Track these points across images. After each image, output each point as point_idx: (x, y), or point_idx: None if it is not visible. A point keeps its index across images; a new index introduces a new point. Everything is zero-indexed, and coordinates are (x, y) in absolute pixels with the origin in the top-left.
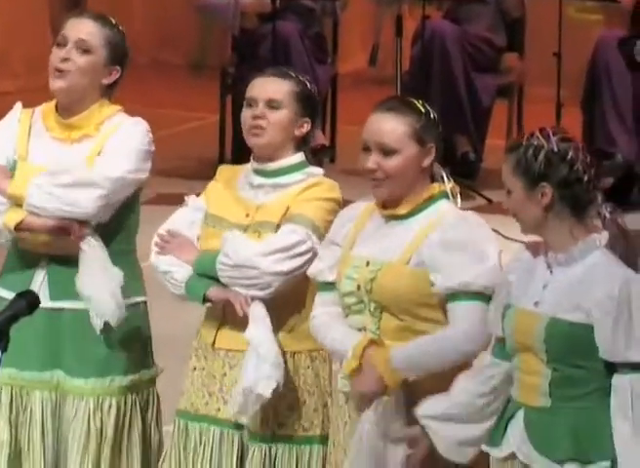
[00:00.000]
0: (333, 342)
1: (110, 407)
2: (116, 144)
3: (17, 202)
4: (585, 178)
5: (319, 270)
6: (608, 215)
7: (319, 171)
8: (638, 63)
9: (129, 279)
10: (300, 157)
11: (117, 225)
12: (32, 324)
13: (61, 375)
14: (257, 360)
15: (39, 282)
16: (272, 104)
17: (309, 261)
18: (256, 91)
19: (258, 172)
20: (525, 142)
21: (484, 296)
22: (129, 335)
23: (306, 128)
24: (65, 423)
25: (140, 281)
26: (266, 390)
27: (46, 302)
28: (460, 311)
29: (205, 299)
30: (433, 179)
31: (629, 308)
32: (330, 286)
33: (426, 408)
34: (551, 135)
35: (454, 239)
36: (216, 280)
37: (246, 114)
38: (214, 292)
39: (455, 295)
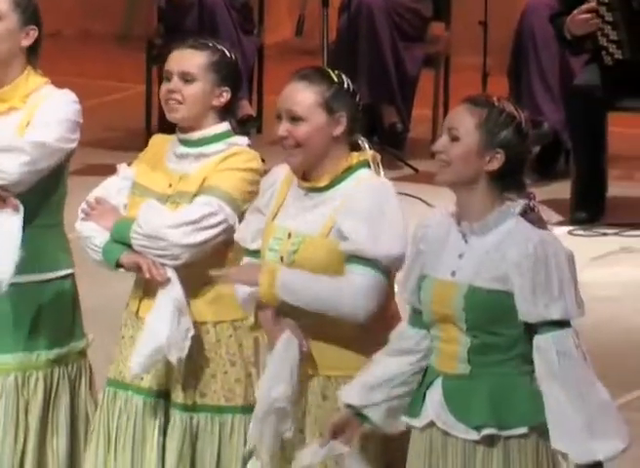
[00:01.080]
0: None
1: (37, 380)
2: (44, 115)
3: None
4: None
5: (242, 237)
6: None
7: (243, 140)
8: (567, 39)
9: (56, 251)
10: (224, 126)
11: (44, 198)
12: None
13: None
14: (170, 324)
15: None
16: (186, 78)
17: (222, 233)
18: (170, 64)
19: (182, 141)
20: (497, 104)
21: (378, 266)
22: (55, 308)
23: (226, 97)
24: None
25: (67, 253)
26: (174, 357)
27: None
28: (354, 275)
29: (118, 265)
30: (356, 150)
31: (546, 267)
32: (253, 253)
33: (347, 395)
34: (519, 109)
35: (358, 207)
36: (132, 247)
37: (162, 88)
38: (125, 257)
39: (351, 259)
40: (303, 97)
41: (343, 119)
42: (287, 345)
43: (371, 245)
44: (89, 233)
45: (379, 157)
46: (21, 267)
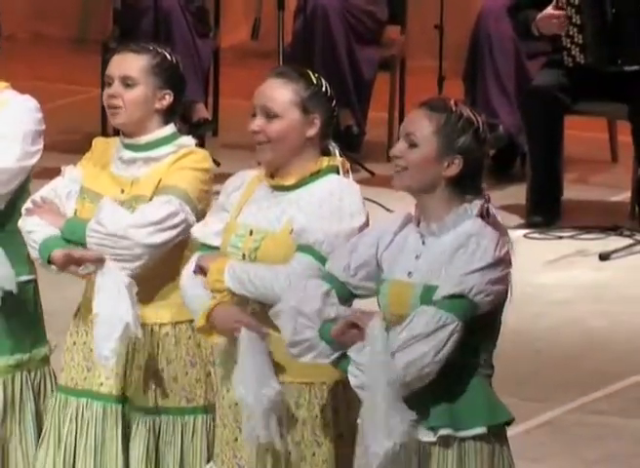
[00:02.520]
0: (192, 299)
1: None
2: (6, 128)
3: None
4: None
5: (205, 234)
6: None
7: (191, 141)
8: (529, 33)
9: (19, 257)
10: (169, 129)
11: (11, 207)
12: None
13: None
14: (129, 301)
15: None
16: (127, 82)
17: (182, 233)
18: (111, 68)
19: (128, 146)
20: (454, 108)
21: (316, 253)
22: (17, 315)
23: (168, 99)
24: None
25: (29, 259)
26: (140, 332)
27: None
28: (294, 259)
29: (49, 261)
30: (325, 154)
31: (472, 244)
32: (211, 249)
33: None
34: (476, 113)
35: (316, 203)
36: (81, 245)
37: (104, 93)
38: (57, 251)
39: (298, 247)
40: (280, 93)
41: (318, 121)
42: (250, 341)
43: (313, 234)
44: (31, 228)
45: (348, 165)
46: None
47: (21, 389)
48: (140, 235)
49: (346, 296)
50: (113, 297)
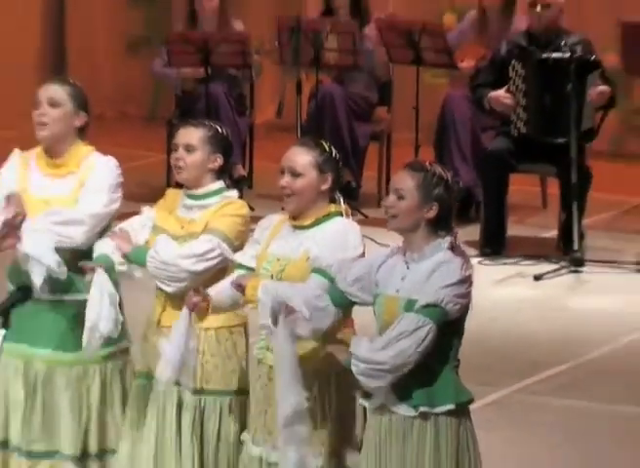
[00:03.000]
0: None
1: (94, 371)
2: (94, 182)
3: None
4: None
5: (243, 258)
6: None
7: (234, 193)
8: (485, 106)
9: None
10: (219, 184)
11: (100, 238)
12: (39, 312)
13: (52, 351)
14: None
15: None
16: (188, 148)
17: (219, 264)
18: (177, 138)
19: (189, 196)
20: (430, 168)
21: (327, 275)
22: None
23: (219, 162)
24: (58, 389)
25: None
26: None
27: (48, 296)
28: (310, 279)
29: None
30: (333, 202)
31: (443, 267)
32: (246, 268)
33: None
34: (445, 170)
35: (327, 238)
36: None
37: (171, 157)
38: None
39: (312, 270)
40: (302, 158)
41: (329, 178)
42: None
43: (325, 261)
44: (98, 243)
45: (349, 210)
46: (85, 288)
47: (112, 374)
48: (185, 264)
49: (346, 302)
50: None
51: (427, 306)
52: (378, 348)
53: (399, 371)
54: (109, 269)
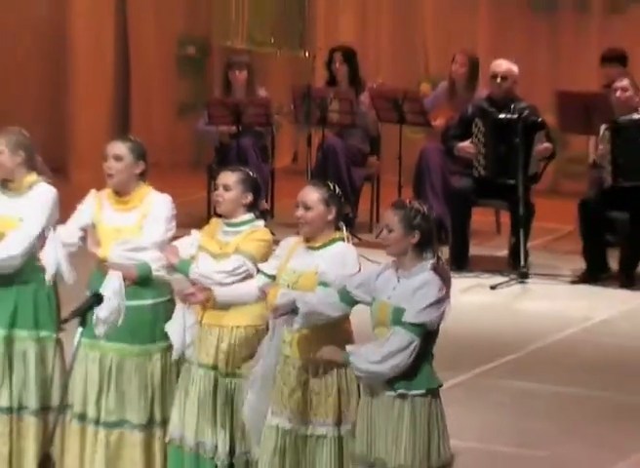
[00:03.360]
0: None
1: (157, 359)
2: (155, 214)
3: (103, 259)
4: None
5: (267, 267)
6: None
7: (260, 223)
8: (454, 154)
9: (165, 286)
10: (249, 216)
11: None
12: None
13: (123, 344)
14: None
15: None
16: (226, 188)
17: (245, 278)
18: (218, 180)
19: (226, 224)
20: (409, 205)
21: (328, 286)
22: (167, 318)
23: (249, 199)
24: (127, 373)
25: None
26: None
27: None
28: (317, 289)
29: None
30: (337, 229)
31: (425, 289)
32: (269, 276)
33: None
34: (422, 205)
35: (331, 258)
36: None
37: (214, 194)
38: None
39: (320, 283)
40: (312, 195)
41: (334, 211)
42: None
43: (328, 275)
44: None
45: (349, 236)
46: (154, 294)
47: (169, 361)
48: (217, 277)
49: (351, 301)
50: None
51: (414, 325)
52: (375, 361)
53: (393, 375)
54: (146, 273)
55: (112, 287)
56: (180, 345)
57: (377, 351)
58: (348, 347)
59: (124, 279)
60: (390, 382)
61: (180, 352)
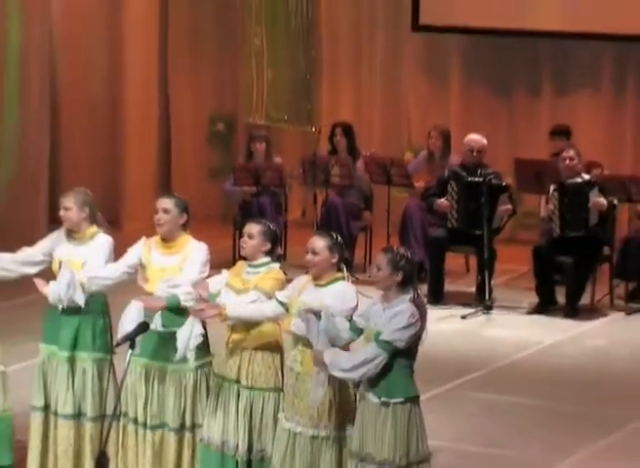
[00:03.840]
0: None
1: (190, 375)
2: (194, 259)
3: (150, 293)
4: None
5: (280, 295)
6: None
7: (276, 265)
8: (437, 210)
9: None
10: (267, 259)
11: None
12: (154, 338)
13: (164, 362)
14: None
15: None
16: (250, 236)
17: (259, 309)
18: (243, 229)
19: (249, 265)
20: (395, 250)
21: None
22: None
23: (268, 246)
24: (167, 385)
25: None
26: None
27: (161, 329)
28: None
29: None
30: (339, 270)
31: (398, 316)
32: (281, 302)
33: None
34: (406, 250)
35: (334, 294)
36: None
37: (240, 241)
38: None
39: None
40: (319, 243)
41: (336, 256)
42: None
43: (338, 309)
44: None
45: (349, 277)
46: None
47: (201, 376)
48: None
49: (357, 329)
50: (129, 317)
51: (385, 342)
52: (346, 369)
53: (363, 380)
54: (174, 304)
55: (131, 315)
56: (184, 349)
57: (350, 360)
58: (326, 357)
59: (150, 307)
60: (376, 392)
61: (182, 353)
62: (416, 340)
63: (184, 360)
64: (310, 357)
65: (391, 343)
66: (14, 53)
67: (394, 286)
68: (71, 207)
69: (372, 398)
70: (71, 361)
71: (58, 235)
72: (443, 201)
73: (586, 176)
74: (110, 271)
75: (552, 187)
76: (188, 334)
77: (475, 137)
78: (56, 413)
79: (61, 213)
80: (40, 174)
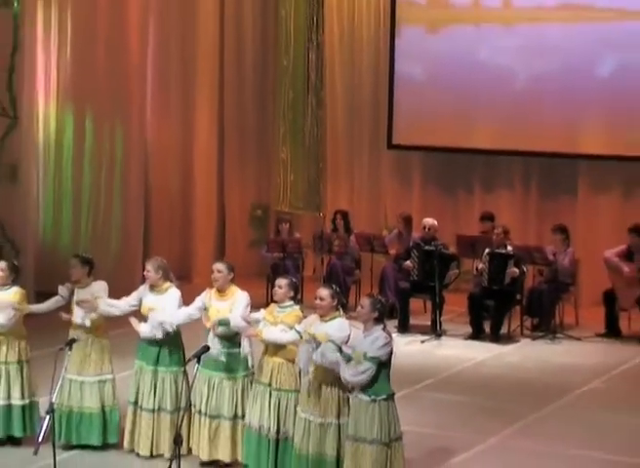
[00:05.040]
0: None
1: (240, 381)
2: (239, 303)
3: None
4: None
5: (298, 327)
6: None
7: (297, 307)
8: (404, 269)
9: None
10: (290, 302)
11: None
12: (215, 356)
13: (221, 372)
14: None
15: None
16: (280, 287)
17: (284, 336)
18: (275, 283)
19: (278, 306)
20: (375, 296)
21: (334, 344)
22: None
23: (292, 294)
24: (223, 389)
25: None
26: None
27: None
28: (325, 345)
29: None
30: (337, 310)
31: (378, 340)
32: (298, 332)
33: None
34: (383, 297)
35: (334, 326)
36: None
37: (273, 291)
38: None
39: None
40: (324, 292)
41: (336, 301)
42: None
43: (337, 336)
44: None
45: (345, 314)
46: (237, 345)
47: (246, 382)
48: (273, 336)
49: (348, 357)
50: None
51: (372, 358)
52: (352, 375)
53: (358, 386)
54: (226, 325)
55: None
56: (247, 353)
57: (352, 371)
58: (340, 370)
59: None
60: (367, 393)
61: (245, 353)
62: (390, 355)
63: (236, 370)
64: (318, 369)
65: (377, 358)
66: (119, 161)
67: (371, 320)
68: (150, 270)
69: (364, 397)
70: (154, 372)
71: (144, 288)
72: (408, 263)
73: (509, 248)
74: (179, 315)
75: (486, 252)
76: (246, 350)
77: (429, 220)
78: (141, 407)
79: (145, 273)
80: (137, 245)
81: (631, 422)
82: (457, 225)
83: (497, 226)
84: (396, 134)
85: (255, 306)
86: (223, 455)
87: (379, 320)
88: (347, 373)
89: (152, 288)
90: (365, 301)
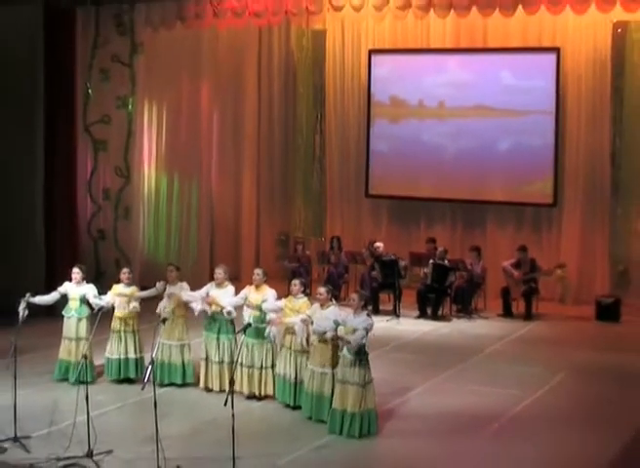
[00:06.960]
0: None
1: (269, 344)
2: (269, 296)
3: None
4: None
5: (308, 313)
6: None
7: (306, 298)
8: (372, 275)
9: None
10: (302, 295)
11: None
12: (251, 330)
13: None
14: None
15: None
16: (295, 285)
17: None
18: (292, 282)
19: (294, 298)
20: (361, 292)
21: (335, 322)
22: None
23: (303, 289)
24: (259, 347)
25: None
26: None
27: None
28: (354, 335)
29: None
30: (331, 300)
31: (365, 320)
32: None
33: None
34: (364, 292)
35: (328, 311)
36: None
37: (290, 287)
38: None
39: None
40: (323, 290)
41: (331, 295)
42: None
43: (332, 317)
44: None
45: (336, 303)
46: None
47: (274, 345)
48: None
49: (338, 322)
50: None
51: (364, 328)
52: (355, 339)
53: (354, 349)
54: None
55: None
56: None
57: (353, 336)
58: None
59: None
60: (352, 353)
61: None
62: (371, 327)
63: (262, 339)
64: (319, 339)
65: (367, 328)
66: (194, 204)
67: (359, 307)
68: (221, 273)
69: (349, 355)
70: (217, 338)
71: (210, 285)
72: (376, 272)
73: (446, 261)
74: (234, 301)
75: (431, 262)
76: (275, 334)
77: (378, 243)
78: (211, 361)
79: (216, 275)
80: (205, 258)
81: (518, 370)
82: (409, 246)
83: (438, 247)
84: (371, 187)
85: (279, 297)
86: (257, 391)
87: (364, 307)
88: (352, 338)
89: (218, 284)
90: (354, 296)
